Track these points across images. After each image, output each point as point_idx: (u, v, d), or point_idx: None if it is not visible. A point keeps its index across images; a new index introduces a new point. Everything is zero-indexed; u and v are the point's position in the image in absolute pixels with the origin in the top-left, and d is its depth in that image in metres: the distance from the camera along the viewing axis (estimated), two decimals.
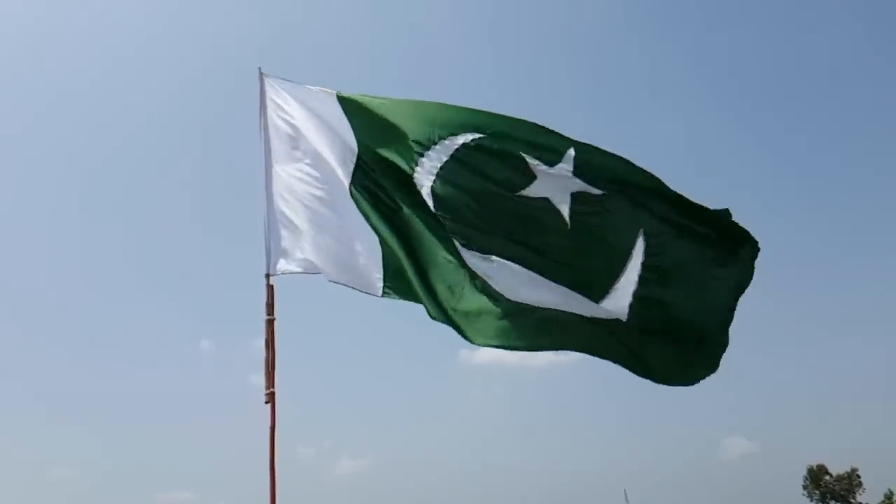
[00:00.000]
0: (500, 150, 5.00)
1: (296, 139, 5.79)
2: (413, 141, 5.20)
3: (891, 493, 56.08)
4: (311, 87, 5.82)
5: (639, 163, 4.79)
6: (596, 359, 5.00)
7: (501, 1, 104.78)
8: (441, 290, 5.09)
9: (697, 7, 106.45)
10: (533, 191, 4.92)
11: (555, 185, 4.87)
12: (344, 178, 5.54)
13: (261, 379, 5.16)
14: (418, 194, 5.19)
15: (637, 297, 4.70)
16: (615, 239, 4.82)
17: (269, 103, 5.87)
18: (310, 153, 5.72)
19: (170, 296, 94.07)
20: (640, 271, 4.71)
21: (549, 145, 4.91)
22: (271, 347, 5.24)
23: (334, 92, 5.67)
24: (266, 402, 5.10)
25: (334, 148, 5.62)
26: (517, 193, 4.95)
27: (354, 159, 5.53)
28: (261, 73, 5.94)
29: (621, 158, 4.82)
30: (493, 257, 4.97)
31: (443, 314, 5.01)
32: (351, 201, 5.50)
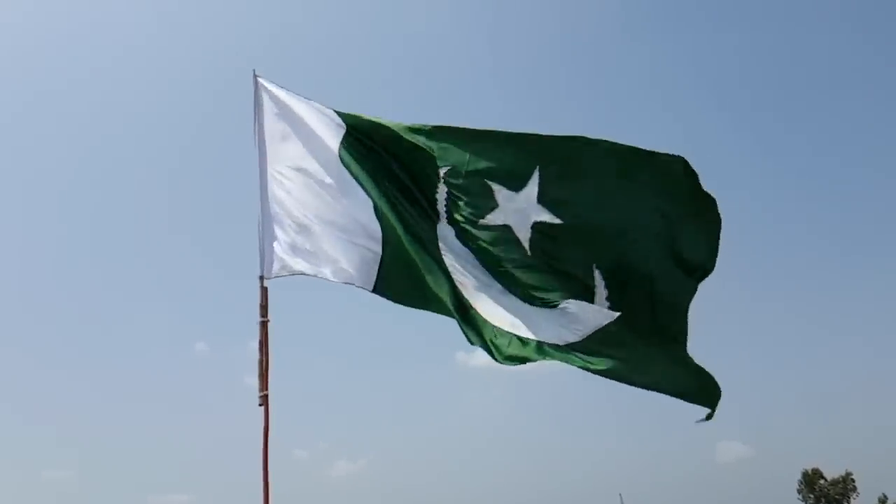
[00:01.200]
0: (465, 185, 5.12)
1: (291, 141, 5.79)
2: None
3: (885, 497, 56.22)
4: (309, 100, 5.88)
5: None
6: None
7: (500, 3, 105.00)
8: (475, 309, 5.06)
9: (696, 8, 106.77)
10: (494, 218, 5.03)
11: (517, 212, 4.96)
12: (340, 174, 5.56)
13: (256, 381, 5.13)
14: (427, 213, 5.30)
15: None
16: (573, 270, 4.92)
17: (264, 105, 5.87)
18: (305, 154, 5.72)
19: (165, 298, 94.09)
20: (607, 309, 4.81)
21: (516, 167, 4.96)
22: (265, 349, 5.20)
23: (331, 109, 5.74)
24: (259, 405, 5.06)
25: (331, 149, 5.63)
26: (480, 222, 5.06)
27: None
28: (255, 76, 5.94)
29: (589, 156, 4.83)
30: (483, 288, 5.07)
31: (479, 339, 4.93)
32: (349, 200, 5.50)
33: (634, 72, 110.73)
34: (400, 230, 5.23)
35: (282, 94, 5.88)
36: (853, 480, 57.71)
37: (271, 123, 5.83)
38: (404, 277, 5.24)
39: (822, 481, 58.20)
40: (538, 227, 4.92)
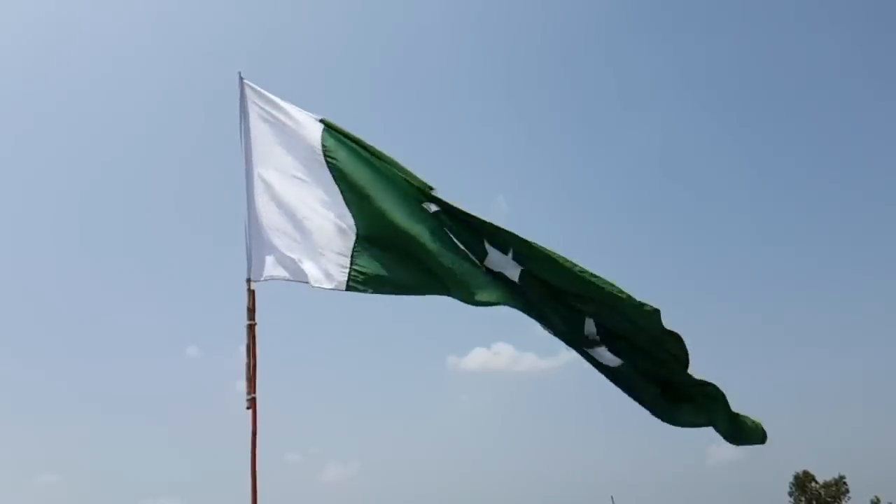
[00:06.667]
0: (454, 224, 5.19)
1: (276, 144, 5.79)
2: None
3: (877, 499, 56.51)
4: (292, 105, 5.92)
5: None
6: (584, 365, 5.07)
7: (480, 8, 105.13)
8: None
9: (676, 14, 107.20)
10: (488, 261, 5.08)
11: (504, 262, 5.04)
12: (323, 177, 5.58)
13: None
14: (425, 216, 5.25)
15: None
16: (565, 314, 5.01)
17: (250, 107, 5.88)
18: (289, 157, 5.73)
19: (156, 302, 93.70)
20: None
21: (497, 235, 5.04)
22: (252, 353, 5.20)
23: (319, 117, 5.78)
24: (247, 408, 5.06)
25: (315, 151, 5.64)
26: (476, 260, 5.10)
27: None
28: (241, 78, 5.95)
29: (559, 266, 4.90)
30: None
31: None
32: (331, 202, 5.50)
33: (611, 79, 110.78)
34: (391, 226, 5.22)
35: (267, 97, 5.89)
36: (845, 483, 57.97)
37: (257, 126, 5.84)
38: (392, 268, 5.25)
39: (813, 484, 58.40)
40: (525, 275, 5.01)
